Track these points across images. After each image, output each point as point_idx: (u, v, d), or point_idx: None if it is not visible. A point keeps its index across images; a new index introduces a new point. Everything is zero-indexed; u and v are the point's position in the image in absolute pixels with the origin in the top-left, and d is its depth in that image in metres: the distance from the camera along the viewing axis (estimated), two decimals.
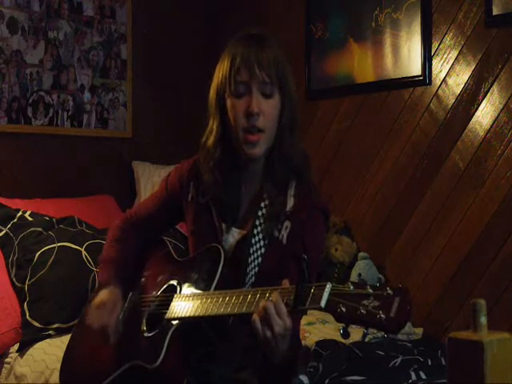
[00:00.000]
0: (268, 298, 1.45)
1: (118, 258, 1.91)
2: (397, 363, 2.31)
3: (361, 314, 1.26)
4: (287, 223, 1.71)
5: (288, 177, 1.75)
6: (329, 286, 1.34)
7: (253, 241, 1.70)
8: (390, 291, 1.26)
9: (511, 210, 2.73)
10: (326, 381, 2.18)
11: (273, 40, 1.77)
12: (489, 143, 2.81)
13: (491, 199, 2.78)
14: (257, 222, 1.72)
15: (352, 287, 1.30)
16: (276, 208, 1.72)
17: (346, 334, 1.32)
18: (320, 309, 1.33)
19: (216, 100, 1.76)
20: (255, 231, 1.71)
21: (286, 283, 1.46)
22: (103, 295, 1.78)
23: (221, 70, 1.74)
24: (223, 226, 1.76)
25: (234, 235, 1.75)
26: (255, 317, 1.44)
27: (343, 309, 1.29)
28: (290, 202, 1.73)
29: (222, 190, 1.76)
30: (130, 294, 1.85)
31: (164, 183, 1.94)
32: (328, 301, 1.32)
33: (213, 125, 1.78)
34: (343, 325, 1.32)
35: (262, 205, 1.73)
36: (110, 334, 1.74)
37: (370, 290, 1.28)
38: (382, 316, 1.24)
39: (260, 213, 1.72)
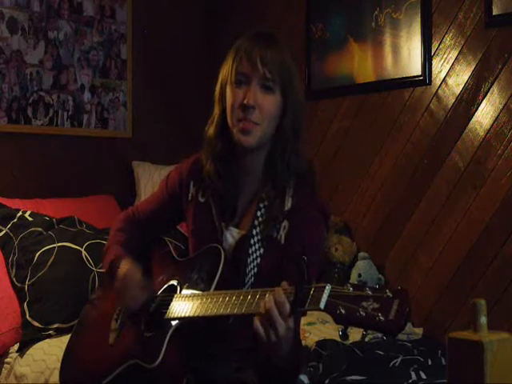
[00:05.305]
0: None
1: (125, 241, 1.91)
2: (397, 363, 2.31)
3: (360, 315, 1.26)
4: (285, 223, 1.71)
5: (288, 179, 1.74)
6: (328, 287, 1.33)
7: (252, 241, 1.70)
8: (389, 293, 1.25)
9: (511, 209, 2.73)
10: (326, 381, 2.18)
11: (282, 42, 1.76)
12: (489, 143, 2.80)
13: (491, 199, 2.78)
14: (255, 223, 1.71)
15: (351, 289, 1.30)
16: (275, 209, 1.71)
17: (344, 336, 1.32)
18: (319, 310, 1.33)
19: (219, 91, 1.77)
20: (254, 232, 1.71)
21: (284, 285, 1.45)
22: (124, 266, 1.77)
23: (226, 63, 1.75)
24: (223, 225, 1.76)
25: (233, 235, 1.75)
26: (257, 322, 1.43)
27: (342, 310, 1.29)
28: (289, 202, 1.73)
29: (222, 182, 1.76)
30: None
31: (164, 183, 1.94)
32: (327, 302, 1.32)
33: (215, 114, 1.79)
34: (342, 326, 1.32)
35: (261, 205, 1.73)
36: (140, 301, 1.74)
37: (370, 292, 1.27)
38: (381, 318, 1.23)
39: (259, 213, 1.72)
